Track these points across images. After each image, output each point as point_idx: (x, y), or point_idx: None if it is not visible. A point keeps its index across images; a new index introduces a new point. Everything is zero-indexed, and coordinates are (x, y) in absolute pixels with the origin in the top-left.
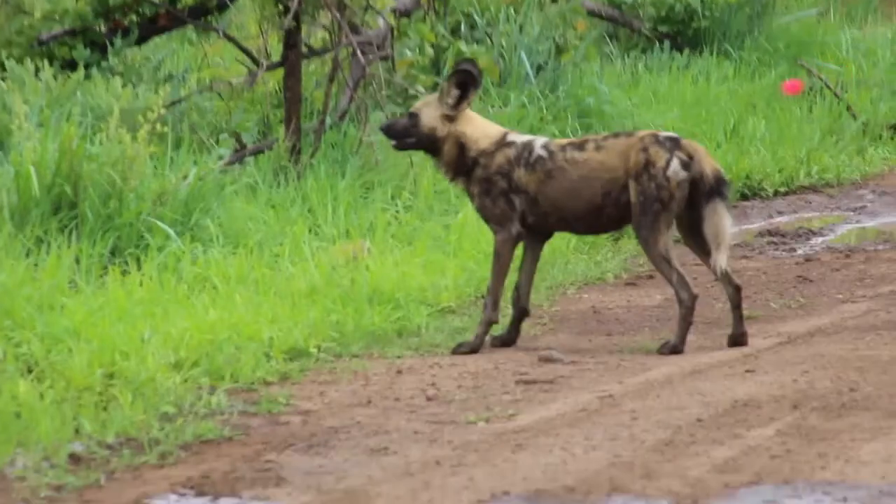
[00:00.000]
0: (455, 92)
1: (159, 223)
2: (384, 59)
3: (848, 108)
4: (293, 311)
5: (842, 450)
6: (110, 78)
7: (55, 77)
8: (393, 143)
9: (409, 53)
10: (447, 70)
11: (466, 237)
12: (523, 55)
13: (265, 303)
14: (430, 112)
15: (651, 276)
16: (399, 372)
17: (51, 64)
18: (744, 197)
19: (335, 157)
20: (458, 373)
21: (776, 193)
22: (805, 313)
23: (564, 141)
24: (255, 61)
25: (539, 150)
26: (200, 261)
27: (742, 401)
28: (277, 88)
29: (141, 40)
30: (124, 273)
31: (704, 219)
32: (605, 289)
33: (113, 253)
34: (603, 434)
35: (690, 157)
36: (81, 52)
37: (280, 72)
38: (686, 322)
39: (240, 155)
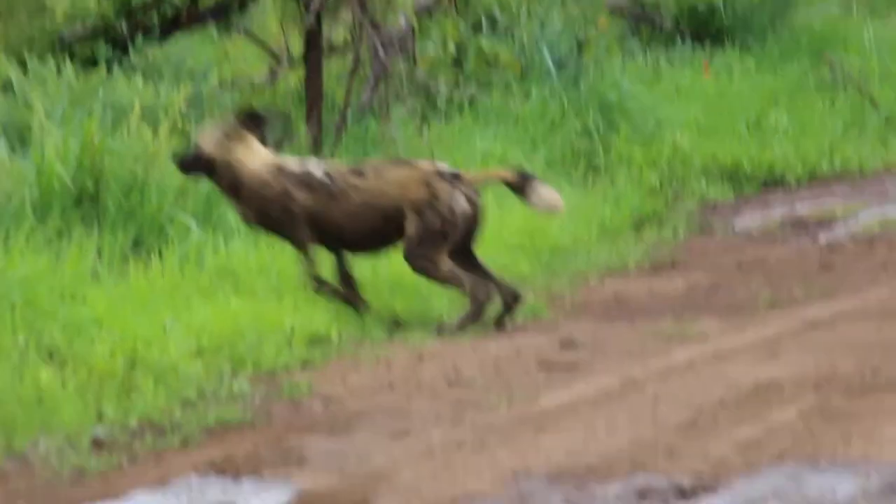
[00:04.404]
0: (237, 124)
1: (181, 214)
2: (406, 55)
3: (871, 102)
4: (314, 300)
5: (864, 429)
6: (132, 76)
7: (77, 75)
8: (182, 172)
9: (430, 50)
10: (467, 66)
11: (488, 228)
12: (545, 50)
13: (287, 292)
14: (207, 139)
15: (673, 265)
16: (421, 358)
17: (73, 62)
18: (766, 187)
19: (357, 151)
20: (480, 358)
21: (798, 183)
22: (828, 298)
23: (344, 167)
24: (277, 59)
25: (319, 174)
26: (222, 252)
27: (764, 383)
28: (299, 86)
29: (162, 38)
30: (146, 264)
31: (535, 202)
32: (626, 276)
33: (135, 245)
34: (625, 416)
35: (473, 191)
36: (103, 51)
37: (301, 69)
38: (474, 315)
39: None
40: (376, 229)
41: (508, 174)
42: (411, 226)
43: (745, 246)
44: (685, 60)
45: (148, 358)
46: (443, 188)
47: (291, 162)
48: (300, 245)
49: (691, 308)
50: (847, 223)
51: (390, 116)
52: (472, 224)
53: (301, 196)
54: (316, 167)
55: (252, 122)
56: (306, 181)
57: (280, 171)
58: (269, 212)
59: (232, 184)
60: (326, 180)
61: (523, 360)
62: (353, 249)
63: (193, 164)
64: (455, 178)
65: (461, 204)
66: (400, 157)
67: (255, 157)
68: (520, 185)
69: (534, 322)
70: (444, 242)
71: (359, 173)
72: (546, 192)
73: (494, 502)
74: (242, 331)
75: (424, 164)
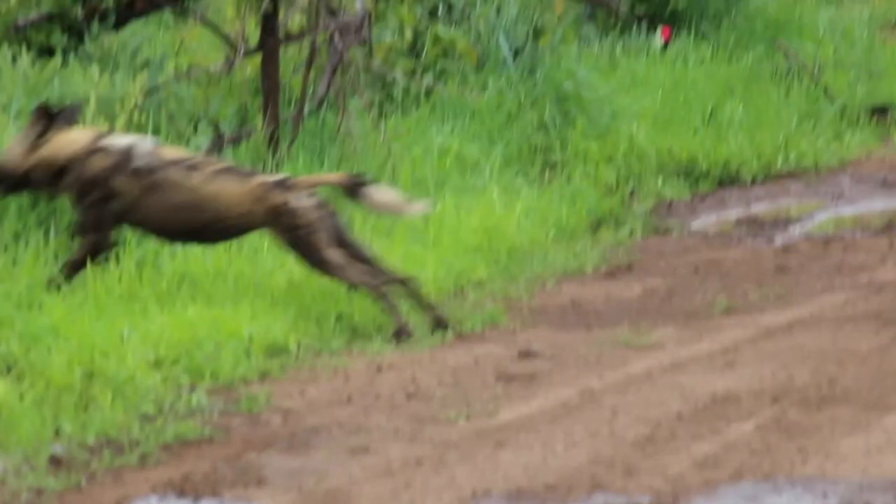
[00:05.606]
0: (39, 124)
1: None
2: (362, 43)
3: (825, 91)
4: (273, 307)
5: (821, 444)
6: (87, 65)
7: (32, 64)
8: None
9: (387, 37)
10: (423, 55)
11: (445, 229)
12: (501, 38)
13: (245, 298)
14: (10, 153)
15: (630, 268)
16: (379, 369)
17: (28, 50)
18: (721, 184)
19: (313, 145)
20: (438, 369)
21: (754, 180)
22: (784, 304)
23: (173, 154)
24: (233, 47)
25: (143, 160)
26: (179, 256)
27: (721, 395)
28: (255, 75)
29: (117, 25)
30: (103, 270)
31: (372, 205)
32: (584, 281)
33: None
34: (583, 430)
35: (305, 189)
36: (59, 38)
37: (258, 58)
38: (390, 305)
39: (218, 144)
40: (195, 229)
41: (339, 177)
42: (279, 239)
43: (701, 247)
44: (641, 48)
45: (105, 369)
46: (277, 196)
47: (115, 139)
48: (92, 228)
49: (648, 314)
50: (802, 223)
51: (347, 108)
52: (328, 216)
53: (120, 181)
54: (143, 150)
55: (53, 117)
56: (127, 163)
57: (98, 148)
58: (86, 192)
59: (52, 179)
60: (151, 165)
61: (481, 372)
62: (165, 239)
63: (7, 182)
64: (284, 185)
65: (304, 202)
66: (232, 165)
67: (67, 143)
68: (351, 190)
69: (491, 329)
70: (315, 235)
71: (189, 168)
72: (383, 195)
73: None
74: (200, 340)
75: (256, 178)
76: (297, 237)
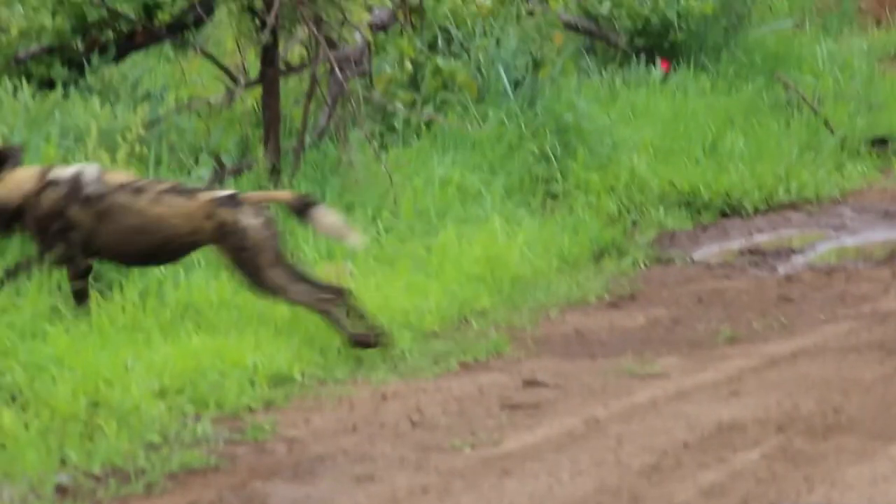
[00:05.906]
0: None
1: None
2: (362, 75)
3: (825, 123)
4: (276, 336)
5: (827, 473)
6: (88, 97)
7: (33, 96)
8: None
9: (387, 69)
10: (423, 86)
11: (448, 259)
12: (501, 70)
13: (248, 328)
14: None
15: (633, 298)
16: (384, 397)
17: (28, 83)
18: (724, 215)
19: (315, 176)
20: (443, 398)
21: (756, 211)
22: (787, 334)
23: (121, 178)
24: (234, 79)
25: (92, 186)
26: (183, 285)
27: (727, 424)
28: (256, 106)
29: (118, 57)
30: (104, 296)
31: (318, 226)
32: (587, 310)
33: (94, 279)
34: (589, 459)
35: (255, 205)
36: (59, 71)
37: (258, 89)
38: (335, 319)
39: (220, 176)
40: (149, 253)
41: (287, 196)
42: (223, 257)
43: (704, 277)
44: (640, 80)
45: (110, 399)
46: (226, 213)
47: (60, 170)
48: (64, 261)
49: (652, 344)
50: (804, 253)
51: (348, 140)
52: (272, 236)
53: (74, 211)
54: (91, 177)
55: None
56: (78, 191)
57: (47, 182)
58: (45, 227)
59: (8, 222)
60: (99, 192)
61: (486, 400)
62: (123, 264)
63: None
64: (234, 201)
65: (251, 220)
66: (178, 184)
67: (17, 184)
68: (299, 209)
69: (496, 359)
70: (260, 254)
71: (135, 191)
72: (329, 219)
73: None
74: (204, 370)
75: (203, 195)
76: (243, 257)
